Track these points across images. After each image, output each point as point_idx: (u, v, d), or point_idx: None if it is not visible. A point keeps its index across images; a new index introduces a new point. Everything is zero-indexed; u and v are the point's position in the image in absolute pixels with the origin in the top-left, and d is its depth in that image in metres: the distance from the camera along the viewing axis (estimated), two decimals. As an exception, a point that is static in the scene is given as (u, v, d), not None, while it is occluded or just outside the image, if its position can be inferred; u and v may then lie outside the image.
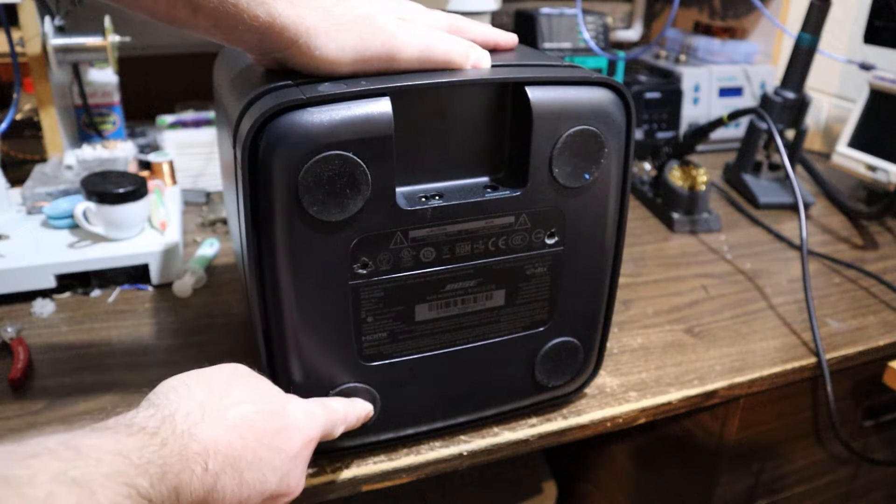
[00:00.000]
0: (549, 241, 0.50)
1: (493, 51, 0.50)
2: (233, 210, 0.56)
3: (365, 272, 0.46)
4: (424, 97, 0.45)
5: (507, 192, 0.48)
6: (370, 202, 0.43)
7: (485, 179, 0.49)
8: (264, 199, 0.42)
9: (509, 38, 0.52)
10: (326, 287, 0.45)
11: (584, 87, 0.47)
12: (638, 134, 1.08)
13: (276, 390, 0.44)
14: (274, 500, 0.41)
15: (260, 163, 0.41)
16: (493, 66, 0.47)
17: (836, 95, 1.29)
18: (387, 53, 0.43)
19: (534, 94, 0.45)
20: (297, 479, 0.42)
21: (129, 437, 0.33)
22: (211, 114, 1.02)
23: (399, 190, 0.46)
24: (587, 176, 0.48)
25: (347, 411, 0.48)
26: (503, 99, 0.48)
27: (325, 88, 0.41)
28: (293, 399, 0.44)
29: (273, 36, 0.42)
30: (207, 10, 0.40)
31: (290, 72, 0.44)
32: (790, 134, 1.05)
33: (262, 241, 0.43)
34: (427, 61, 0.45)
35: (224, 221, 0.91)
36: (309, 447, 0.43)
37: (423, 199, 0.46)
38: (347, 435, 0.51)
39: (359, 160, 0.41)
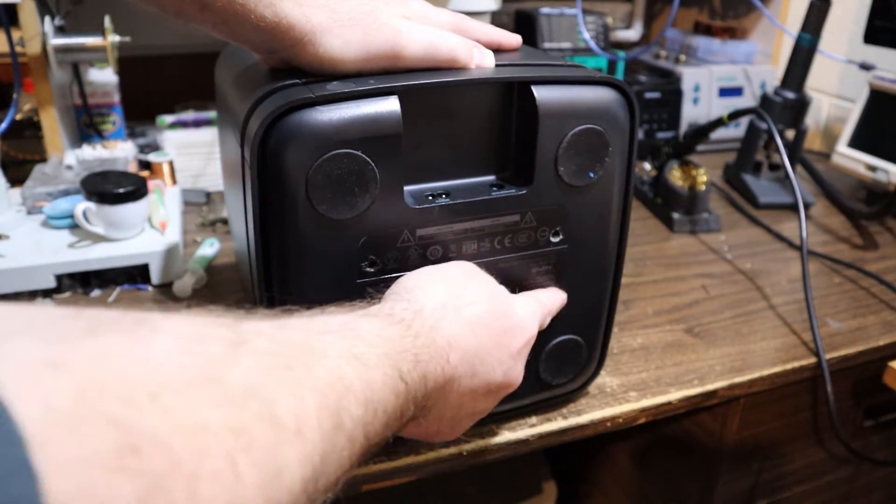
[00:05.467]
0: (554, 240, 0.50)
1: (497, 51, 0.50)
2: (235, 209, 0.56)
3: (373, 270, 0.46)
4: (432, 96, 0.45)
5: (513, 190, 0.48)
6: (378, 200, 0.43)
7: (491, 178, 0.49)
8: (273, 198, 0.42)
9: (513, 39, 0.52)
10: (334, 285, 0.45)
11: (589, 86, 0.47)
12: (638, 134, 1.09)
13: (502, 290, 0.46)
14: (497, 392, 0.45)
15: (269, 162, 0.41)
16: (497, 65, 0.47)
17: (836, 95, 1.29)
18: (391, 50, 0.43)
19: (540, 93, 0.45)
20: (517, 372, 0.46)
21: (392, 326, 0.36)
22: (211, 114, 1.02)
23: (406, 188, 0.45)
24: (592, 174, 0.49)
25: (552, 303, 0.51)
26: (509, 98, 0.48)
27: (334, 87, 0.41)
28: (517, 299, 0.47)
29: (279, 35, 0.42)
30: (215, 9, 0.40)
31: (295, 70, 0.44)
32: (790, 134, 1.05)
33: (270, 240, 0.43)
34: (431, 59, 0.45)
35: (224, 221, 0.91)
36: (529, 344, 0.47)
37: (431, 198, 0.46)
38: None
39: (368, 159, 0.41)
